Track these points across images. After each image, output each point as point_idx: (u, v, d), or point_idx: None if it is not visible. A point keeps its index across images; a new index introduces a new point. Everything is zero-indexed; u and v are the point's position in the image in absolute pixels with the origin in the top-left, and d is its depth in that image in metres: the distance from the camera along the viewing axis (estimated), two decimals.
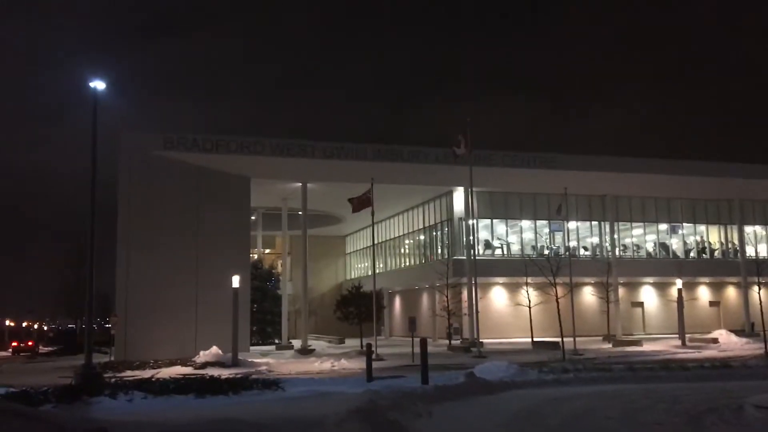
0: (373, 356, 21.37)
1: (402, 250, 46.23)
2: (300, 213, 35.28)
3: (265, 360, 26.81)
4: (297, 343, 33.60)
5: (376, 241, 34.98)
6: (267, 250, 45.90)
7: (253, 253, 39.89)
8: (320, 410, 12.35)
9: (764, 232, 44.80)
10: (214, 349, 25.60)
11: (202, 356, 25.14)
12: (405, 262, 46.07)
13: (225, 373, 19.99)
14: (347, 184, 34.26)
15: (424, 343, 17.14)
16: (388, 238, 46.68)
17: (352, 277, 50.93)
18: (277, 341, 35.80)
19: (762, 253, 44.14)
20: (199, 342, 27.34)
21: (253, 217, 38.77)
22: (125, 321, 29.20)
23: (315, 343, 35.07)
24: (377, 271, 38.35)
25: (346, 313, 35.52)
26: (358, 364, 23.76)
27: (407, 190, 37.55)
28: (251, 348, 31.48)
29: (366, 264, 48.01)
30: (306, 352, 31.12)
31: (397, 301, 47.93)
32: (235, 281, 25.56)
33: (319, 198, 36.88)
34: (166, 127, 34.76)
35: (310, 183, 34.48)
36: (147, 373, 20.71)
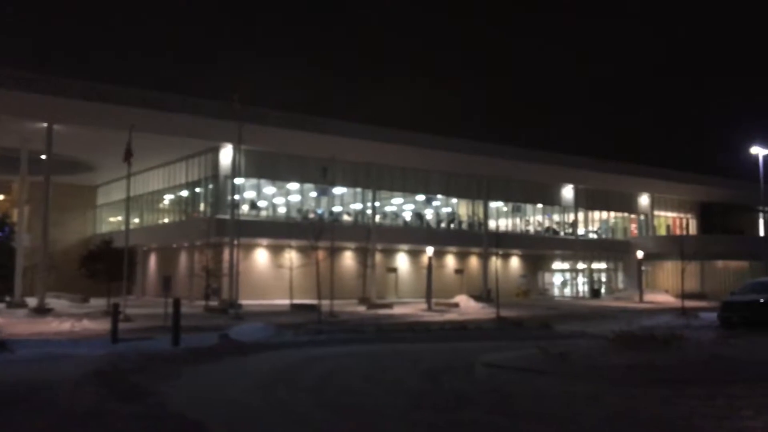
0: (121, 317, 20.05)
1: (161, 206, 43.82)
2: (43, 157, 31.65)
3: None
4: (33, 302, 30.39)
5: (131, 194, 32.59)
6: (0, 197, 40.64)
7: None
8: (54, 373, 11.14)
9: (505, 208, 49.82)
10: None
11: None
12: (164, 218, 43.77)
13: None
14: (103, 129, 31.47)
15: (176, 303, 16.30)
16: (145, 192, 43.89)
17: (103, 231, 47.25)
18: (8, 299, 31.97)
19: (501, 227, 49.14)
20: None
21: None
22: None
23: (55, 302, 31.97)
24: (132, 226, 35.93)
25: (93, 270, 32.73)
26: (102, 325, 22.03)
27: (170, 141, 35.43)
28: None
29: (119, 218, 44.78)
30: (43, 311, 28.26)
31: (153, 259, 45.47)
32: None
33: (69, 142, 33.37)
34: None
35: (58, 124, 31.01)
36: None
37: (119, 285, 29.53)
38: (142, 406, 8.41)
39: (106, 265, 31.50)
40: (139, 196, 43.19)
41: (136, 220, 44.25)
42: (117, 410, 8.13)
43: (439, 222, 46.78)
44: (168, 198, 42.98)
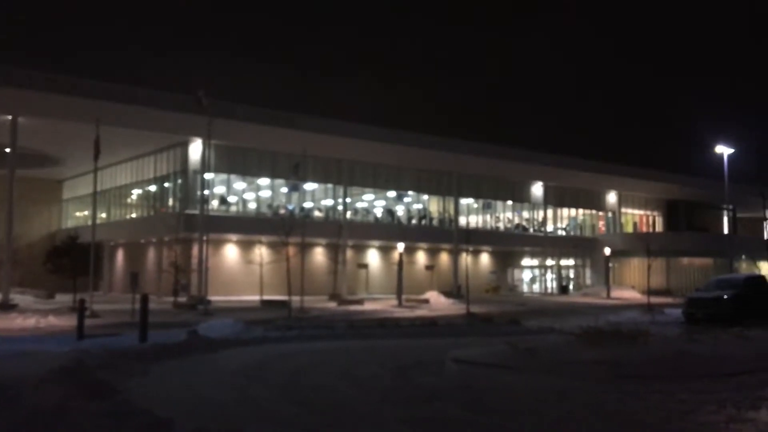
0: (87, 313, 19.75)
1: (129, 200, 43.22)
2: (8, 150, 31.01)
3: None
4: None
5: (98, 189, 32.07)
6: None
7: None
8: (18, 370, 10.85)
9: (475, 205, 50.12)
10: None
11: None
12: (131, 213, 43.19)
13: None
14: (69, 122, 30.94)
15: (144, 299, 16.08)
16: (113, 186, 43.25)
17: (69, 226, 46.48)
18: None
19: (472, 223, 49.43)
20: None
21: None
22: None
23: (19, 298, 31.36)
24: (99, 221, 35.39)
25: (58, 266, 32.18)
26: (68, 322, 21.66)
27: (138, 135, 34.95)
28: None
29: (86, 213, 44.06)
30: (7, 307, 27.71)
31: (120, 255, 44.83)
32: None
33: (34, 135, 32.74)
34: None
35: (23, 117, 30.39)
36: None
37: (86, 281, 29.09)
38: (109, 403, 8.28)
39: (72, 261, 31.03)
40: (106, 190, 42.58)
41: (103, 215, 43.60)
42: (83, 407, 7.99)
43: (410, 218, 46.89)
44: (136, 193, 42.40)
